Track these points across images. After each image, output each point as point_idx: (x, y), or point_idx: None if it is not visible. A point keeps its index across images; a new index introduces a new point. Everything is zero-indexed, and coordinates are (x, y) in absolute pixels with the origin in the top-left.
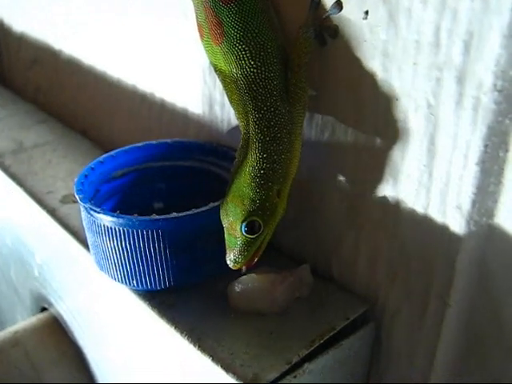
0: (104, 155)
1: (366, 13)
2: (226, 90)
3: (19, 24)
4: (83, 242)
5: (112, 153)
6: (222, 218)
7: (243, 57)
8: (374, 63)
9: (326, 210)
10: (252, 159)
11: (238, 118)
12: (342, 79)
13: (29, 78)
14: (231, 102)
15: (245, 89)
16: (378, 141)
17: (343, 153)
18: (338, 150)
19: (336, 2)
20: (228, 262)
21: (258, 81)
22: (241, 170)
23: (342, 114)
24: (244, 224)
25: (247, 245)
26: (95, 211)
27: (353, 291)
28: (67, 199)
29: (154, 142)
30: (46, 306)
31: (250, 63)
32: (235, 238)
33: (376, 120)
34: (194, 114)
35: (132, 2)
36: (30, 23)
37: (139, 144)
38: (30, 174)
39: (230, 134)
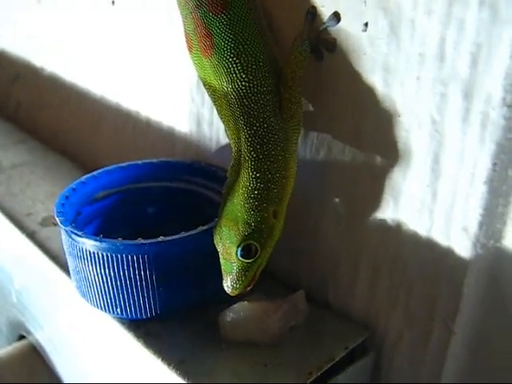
0: (86, 175)
1: (366, 25)
2: (215, 105)
3: (0, 40)
4: (64, 266)
5: (94, 173)
6: (215, 242)
7: (234, 70)
8: (374, 78)
9: (322, 234)
10: (245, 179)
11: (228, 136)
12: (339, 95)
13: (10, 94)
14: (221, 119)
15: (236, 104)
16: (378, 159)
17: (340, 172)
18: (335, 169)
19: (333, 13)
20: (225, 288)
21: (250, 95)
22: (233, 190)
23: (339, 132)
24: (240, 248)
25: (244, 269)
26: (77, 235)
27: (351, 319)
28: (47, 222)
29: (139, 162)
30: (24, 333)
31: (241, 76)
32: (231, 263)
33: (376, 138)
34: (180, 133)
35: (116, 18)
36: (11, 39)
37: (123, 164)
38: (8, 196)
39: (219, 153)
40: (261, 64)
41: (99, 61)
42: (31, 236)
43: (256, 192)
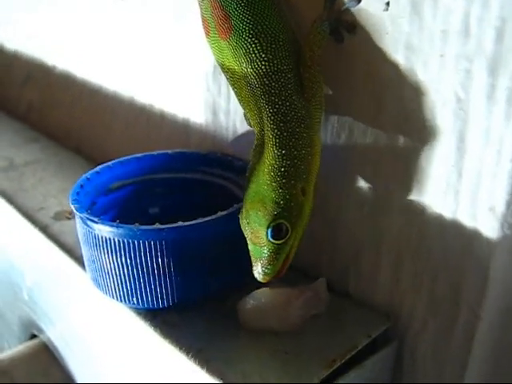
0: (100, 166)
1: (387, 4)
2: (234, 87)
3: (12, 41)
4: (78, 259)
5: (109, 163)
6: (242, 228)
7: (253, 50)
8: (396, 57)
9: (344, 220)
10: (270, 157)
11: (248, 119)
12: (360, 76)
13: (21, 95)
14: (240, 101)
15: (256, 83)
16: (401, 140)
17: (362, 156)
18: (357, 153)
19: None
20: (256, 274)
21: (271, 74)
22: (258, 171)
23: (360, 114)
24: (270, 229)
25: (276, 252)
26: (92, 221)
27: (373, 308)
28: (60, 216)
29: (154, 152)
30: (36, 332)
31: (260, 56)
32: (261, 247)
33: (399, 118)
34: (196, 124)
35: (128, 10)
36: (22, 39)
37: (138, 155)
38: (20, 191)
39: (236, 143)
40: (281, 43)
41: (111, 55)
42: (44, 230)
43: (283, 169)
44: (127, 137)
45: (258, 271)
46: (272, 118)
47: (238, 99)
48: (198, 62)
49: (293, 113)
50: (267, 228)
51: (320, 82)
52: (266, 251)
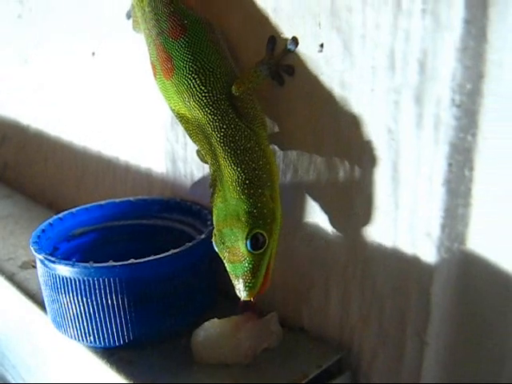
0: (64, 212)
1: (321, 46)
2: (182, 123)
3: None
4: (41, 304)
5: (72, 210)
6: (218, 250)
7: (193, 84)
8: (332, 95)
9: (294, 256)
10: (231, 175)
11: (200, 154)
12: (302, 115)
13: None
14: (191, 136)
15: (200, 114)
16: (342, 175)
17: (307, 193)
18: (302, 190)
19: (292, 38)
20: (241, 293)
21: (212, 103)
22: (224, 192)
23: (303, 152)
24: (248, 240)
25: (257, 263)
26: (50, 261)
27: (326, 340)
28: (27, 265)
29: (117, 200)
30: None
31: (200, 89)
32: (241, 262)
33: (338, 153)
34: (157, 174)
35: (95, 70)
36: None
37: (101, 202)
38: None
39: (195, 189)
40: (218, 76)
41: (80, 112)
42: (10, 278)
43: (247, 182)
44: (96, 191)
45: (241, 289)
46: (221, 140)
47: (189, 134)
48: (157, 114)
49: (239, 132)
50: (246, 239)
51: (255, 108)
52: (246, 264)
